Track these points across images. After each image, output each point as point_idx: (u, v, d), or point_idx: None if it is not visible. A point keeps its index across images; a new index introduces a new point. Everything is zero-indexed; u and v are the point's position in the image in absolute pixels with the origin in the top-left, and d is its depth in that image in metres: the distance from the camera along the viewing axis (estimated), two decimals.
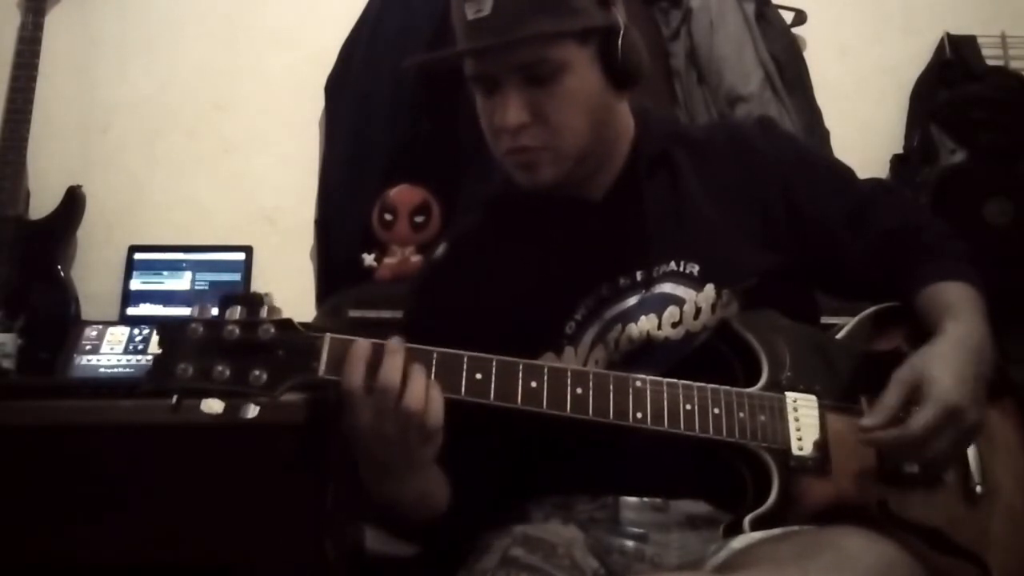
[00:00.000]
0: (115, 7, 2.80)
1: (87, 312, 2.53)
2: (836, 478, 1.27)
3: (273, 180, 2.75)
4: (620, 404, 1.22)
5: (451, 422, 1.19)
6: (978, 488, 1.34)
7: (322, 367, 1.15)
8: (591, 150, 1.37)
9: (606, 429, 1.22)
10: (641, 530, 1.32)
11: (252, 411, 1.15)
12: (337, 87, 2.70)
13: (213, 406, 1.13)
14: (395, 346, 1.16)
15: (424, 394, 1.15)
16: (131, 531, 2.19)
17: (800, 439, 1.27)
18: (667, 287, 1.38)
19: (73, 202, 2.59)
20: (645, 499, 1.33)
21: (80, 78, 2.75)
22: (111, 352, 2.37)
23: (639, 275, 1.38)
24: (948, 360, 1.27)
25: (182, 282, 2.57)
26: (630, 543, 1.32)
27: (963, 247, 1.47)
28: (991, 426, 1.39)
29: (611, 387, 1.22)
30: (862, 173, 1.54)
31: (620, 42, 1.34)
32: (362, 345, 1.16)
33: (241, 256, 2.60)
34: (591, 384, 1.22)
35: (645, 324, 1.36)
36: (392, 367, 1.15)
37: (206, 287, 2.56)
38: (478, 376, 1.19)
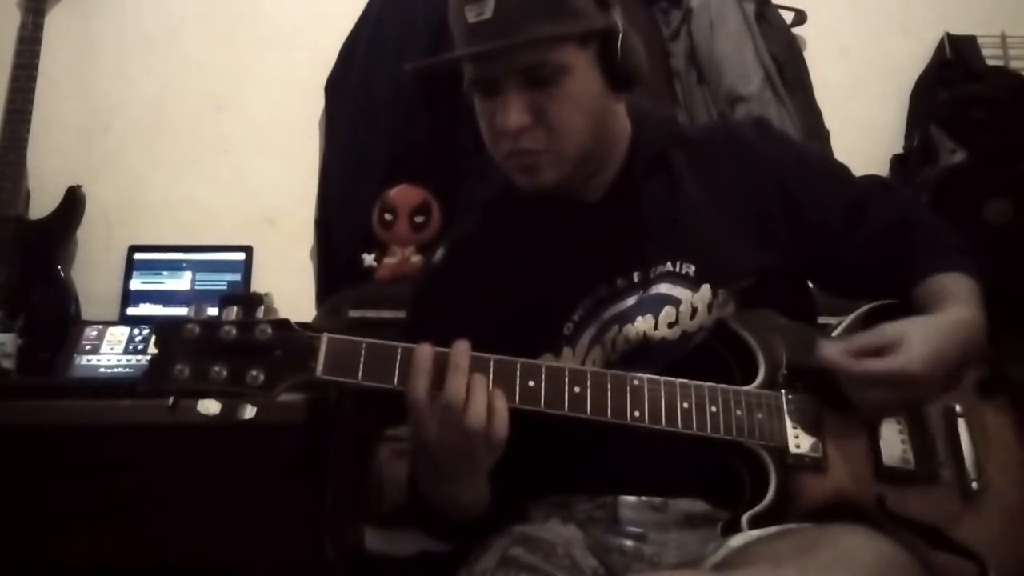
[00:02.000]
0: (115, 7, 2.80)
1: (87, 312, 2.54)
2: (833, 475, 1.27)
3: (273, 180, 2.76)
4: (618, 403, 1.22)
5: None
6: (974, 485, 1.34)
7: (319, 367, 1.15)
8: (591, 152, 1.37)
9: (604, 428, 1.22)
10: (640, 529, 1.32)
11: (249, 412, 1.15)
12: (337, 87, 2.71)
13: (210, 407, 1.13)
14: (459, 358, 1.17)
15: (486, 409, 1.15)
16: (131, 531, 2.20)
17: (797, 437, 1.28)
18: (664, 287, 1.38)
19: (73, 202, 2.60)
20: (644, 498, 1.33)
21: (80, 78, 2.76)
22: (111, 352, 2.37)
23: (636, 276, 1.38)
24: (935, 335, 1.27)
25: (182, 282, 2.57)
26: (629, 542, 1.32)
27: (961, 242, 1.47)
28: (987, 423, 1.40)
29: (609, 386, 1.22)
30: (862, 173, 1.54)
31: (619, 44, 1.34)
32: (424, 355, 1.17)
33: (241, 256, 2.60)
34: (588, 383, 1.22)
35: (642, 324, 1.36)
36: (457, 383, 1.15)
37: (206, 287, 2.56)
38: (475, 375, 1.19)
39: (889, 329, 1.27)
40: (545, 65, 1.30)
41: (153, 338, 1.15)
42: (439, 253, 1.53)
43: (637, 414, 1.22)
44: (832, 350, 1.27)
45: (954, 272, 1.39)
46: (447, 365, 1.16)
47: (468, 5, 1.29)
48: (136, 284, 2.58)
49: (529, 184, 1.37)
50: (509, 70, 1.30)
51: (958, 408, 1.38)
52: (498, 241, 1.47)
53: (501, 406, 1.17)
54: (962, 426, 1.37)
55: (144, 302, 2.56)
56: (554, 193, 1.39)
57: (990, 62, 2.79)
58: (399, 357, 1.18)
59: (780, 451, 1.26)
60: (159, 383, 1.13)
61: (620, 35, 1.34)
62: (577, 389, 1.21)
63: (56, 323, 2.45)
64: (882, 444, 1.32)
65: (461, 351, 1.17)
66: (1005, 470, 1.37)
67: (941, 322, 1.30)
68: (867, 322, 1.42)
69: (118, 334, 2.41)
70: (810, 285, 1.53)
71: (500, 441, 1.17)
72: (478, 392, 1.16)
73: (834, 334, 1.42)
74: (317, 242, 2.70)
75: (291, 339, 1.16)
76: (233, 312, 1.15)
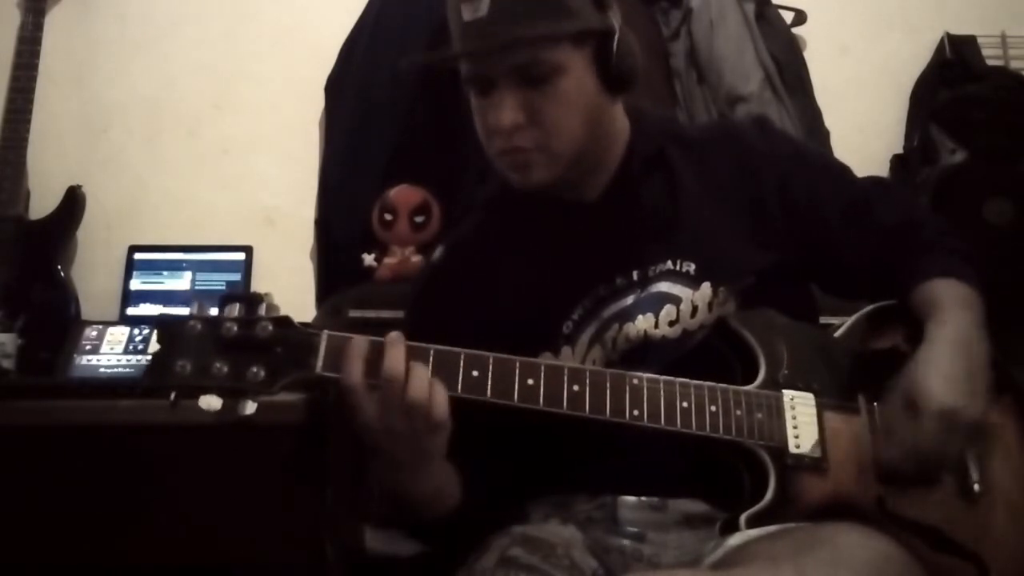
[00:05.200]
0: (115, 7, 2.80)
1: (87, 312, 2.54)
2: (833, 476, 1.27)
3: (273, 180, 2.76)
4: (617, 402, 1.22)
5: (454, 419, 1.19)
6: (976, 486, 1.33)
7: (319, 364, 1.16)
8: (584, 152, 1.37)
9: (604, 428, 1.22)
10: (639, 529, 1.32)
11: (250, 408, 1.15)
12: (337, 87, 2.71)
13: (211, 403, 1.14)
14: (395, 339, 1.17)
15: (427, 384, 1.15)
16: (131, 531, 2.19)
17: (797, 437, 1.28)
18: (664, 286, 1.38)
19: (73, 202, 2.60)
20: (643, 498, 1.33)
21: (80, 78, 2.76)
22: (111, 352, 2.37)
23: (635, 274, 1.38)
24: (934, 364, 1.28)
25: (182, 282, 2.57)
26: (628, 542, 1.32)
27: (961, 244, 1.47)
28: (990, 425, 1.39)
29: (608, 385, 1.23)
30: (862, 173, 1.54)
31: (615, 45, 1.34)
32: (359, 342, 1.16)
33: (241, 256, 2.60)
34: (587, 382, 1.22)
35: (642, 323, 1.36)
36: (395, 360, 1.15)
37: (206, 287, 2.56)
38: (475, 373, 1.19)
39: (900, 389, 1.29)
40: (539, 64, 1.30)
41: (155, 334, 1.16)
42: (438, 252, 1.53)
43: (636, 413, 1.23)
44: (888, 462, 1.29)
45: (949, 278, 1.39)
46: (383, 347, 1.16)
47: (464, 3, 1.30)
48: (136, 284, 2.58)
49: (521, 182, 1.37)
50: (503, 68, 1.31)
51: None
52: (497, 240, 1.47)
53: (439, 386, 1.17)
54: None
55: (144, 302, 2.56)
56: (552, 192, 1.39)
57: (990, 62, 2.78)
58: None
59: (780, 451, 1.26)
60: (161, 379, 1.14)
61: (616, 36, 1.34)
62: (576, 388, 1.21)
63: (56, 323, 2.45)
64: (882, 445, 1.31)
65: (396, 335, 1.18)
66: (1008, 472, 1.37)
67: (936, 344, 1.31)
68: (869, 324, 1.42)
69: (118, 334, 2.40)
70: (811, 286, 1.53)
71: (440, 419, 1.16)
72: (417, 370, 1.16)
73: (836, 335, 1.42)
74: (317, 242, 2.70)
75: (291, 336, 1.16)
76: (235, 309, 1.15)
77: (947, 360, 1.29)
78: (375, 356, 1.16)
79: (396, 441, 1.18)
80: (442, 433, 1.19)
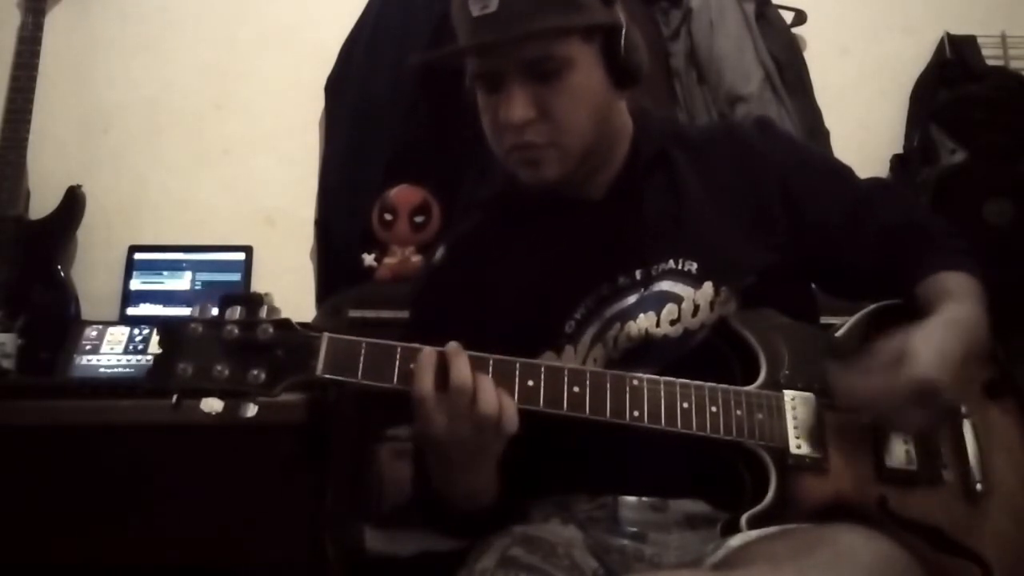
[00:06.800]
0: (115, 7, 2.80)
1: (87, 312, 2.54)
2: (834, 476, 1.27)
3: (273, 180, 2.76)
4: (617, 403, 1.22)
5: None
6: (979, 486, 1.33)
7: (320, 366, 1.16)
8: (593, 148, 1.37)
9: (605, 429, 1.22)
10: (640, 530, 1.32)
11: (251, 410, 1.16)
12: (337, 87, 2.71)
13: (213, 405, 1.14)
14: (457, 350, 1.18)
15: (496, 396, 1.17)
16: (131, 531, 2.19)
17: (798, 437, 1.27)
18: (665, 285, 1.38)
19: (73, 202, 2.60)
20: (644, 499, 1.33)
21: (80, 78, 2.76)
22: (111, 352, 2.37)
23: (638, 273, 1.38)
24: (933, 337, 1.25)
25: (182, 282, 2.57)
26: (629, 543, 1.32)
27: (964, 243, 1.46)
28: (992, 424, 1.39)
29: (608, 386, 1.22)
30: (862, 173, 1.54)
31: (623, 40, 1.34)
32: (428, 352, 1.18)
33: (241, 256, 2.60)
34: (588, 383, 1.22)
35: (644, 322, 1.36)
36: (462, 370, 1.16)
37: (206, 287, 2.56)
38: None
39: (891, 345, 1.25)
40: (550, 58, 1.30)
41: (157, 337, 1.16)
42: (440, 252, 1.53)
43: (636, 414, 1.22)
44: (852, 394, 1.26)
45: (955, 271, 1.39)
46: (448, 361, 1.17)
47: None
48: (136, 284, 2.58)
49: (532, 178, 1.36)
50: (513, 63, 1.30)
51: (963, 409, 1.37)
52: (499, 239, 1.47)
53: (508, 397, 1.18)
54: (967, 427, 1.36)
55: (144, 302, 2.56)
56: (556, 191, 1.39)
57: (990, 62, 2.79)
58: (398, 356, 1.18)
59: (781, 452, 1.26)
60: (163, 382, 1.14)
61: (624, 31, 1.34)
62: (576, 389, 1.21)
63: (56, 323, 2.45)
64: (885, 445, 1.31)
65: (457, 347, 1.19)
66: (1011, 472, 1.37)
67: (940, 320, 1.29)
68: (870, 324, 1.42)
69: (118, 334, 2.41)
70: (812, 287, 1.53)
71: (512, 428, 1.18)
72: (485, 381, 1.17)
73: (837, 335, 1.41)
74: (317, 242, 2.70)
75: (292, 338, 1.16)
76: (236, 312, 1.16)
77: (947, 337, 1.26)
78: (444, 366, 1.17)
79: (462, 447, 1.20)
80: (508, 437, 1.20)
